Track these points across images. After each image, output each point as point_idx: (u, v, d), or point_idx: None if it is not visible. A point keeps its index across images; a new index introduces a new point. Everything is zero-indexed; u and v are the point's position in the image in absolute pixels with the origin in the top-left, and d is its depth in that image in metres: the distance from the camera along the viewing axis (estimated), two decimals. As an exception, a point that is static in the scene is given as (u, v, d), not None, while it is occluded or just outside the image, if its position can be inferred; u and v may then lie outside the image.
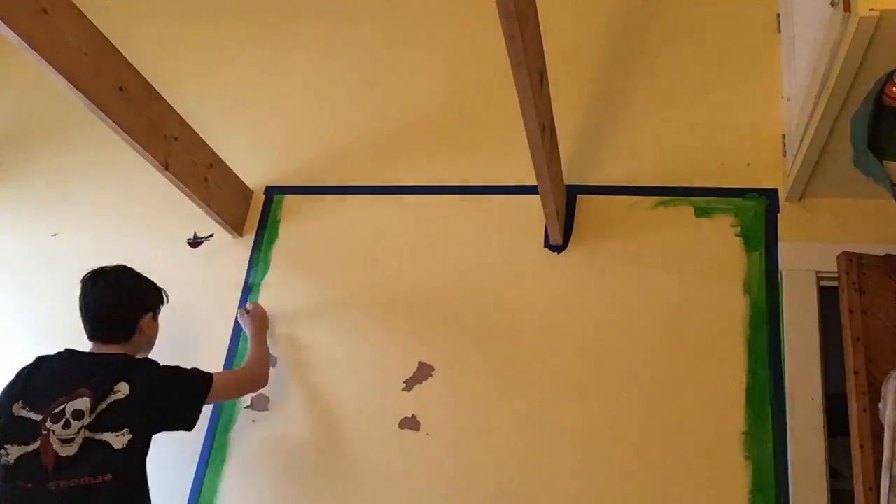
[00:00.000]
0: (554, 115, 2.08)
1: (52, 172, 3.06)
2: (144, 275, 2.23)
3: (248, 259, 2.68)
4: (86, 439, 1.87)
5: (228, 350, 2.55)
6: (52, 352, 2.12)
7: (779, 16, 2.50)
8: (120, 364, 2.02)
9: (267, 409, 2.45)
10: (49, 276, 2.84)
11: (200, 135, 2.51)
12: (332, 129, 2.85)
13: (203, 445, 2.44)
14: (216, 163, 2.59)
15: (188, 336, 2.60)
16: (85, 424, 1.87)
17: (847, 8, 1.64)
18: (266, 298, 2.60)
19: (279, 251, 2.68)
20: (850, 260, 2.04)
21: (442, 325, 2.43)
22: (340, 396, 2.41)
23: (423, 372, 2.38)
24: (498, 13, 1.51)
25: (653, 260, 2.36)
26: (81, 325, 2.15)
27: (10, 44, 1.85)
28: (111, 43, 2.12)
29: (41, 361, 2.08)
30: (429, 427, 2.32)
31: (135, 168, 2.63)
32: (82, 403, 1.89)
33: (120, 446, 1.88)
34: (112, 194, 2.94)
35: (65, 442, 1.85)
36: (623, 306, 2.32)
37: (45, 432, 1.87)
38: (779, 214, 2.33)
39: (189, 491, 2.39)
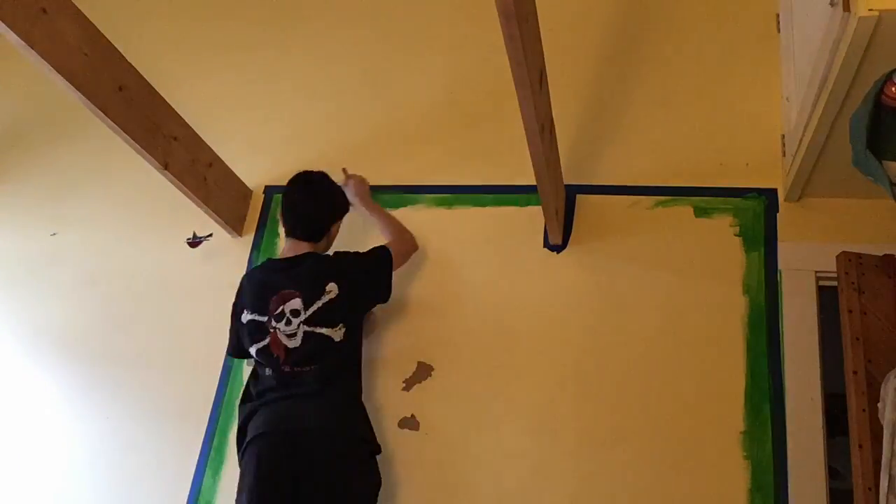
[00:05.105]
0: (554, 115, 2.08)
1: (52, 172, 3.06)
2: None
3: (247, 259, 2.68)
4: (306, 332, 2.16)
5: (228, 350, 2.54)
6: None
7: (778, 16, 2.49)
8: (322, 266, 2.27)
9: (266, 409, 2.45)
10: (49, 276, 2.83)
11: (200, 134, 2.51)
12: (331, 129, 2.85)
13: (203, 445, 2.43)
14: (215, 162, 2.59)
15: (187, 336, 2.60)
16: (302, 321, 2.17)
17: (846, 8, 1.64)
18: (265, 298, 2.59)
19: (278, 251, 2.67)
20: (849, 260, 2.03)
21: (441, 325, 2.43)
22: (340, 396, 2.41)
23: (423, 371, 2.38)
24: (498, 13, 1.51)
25: (652, 260, 2.36)
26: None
27: (10, 44, 1.85)
28: (111, 43, 2.12)
29: (248, 276, 2.38)
30: (428, 427, 2.32)
31: (134, 168, 2.63)
32: (296, 304, 2.18)
33: (339, 339, 2.17)
34: (112, 194, 2.94)
35: (289, 336, 2.16)
36: (622, 306, 2.32)
37: (272, 330, 2.18)
38: (778, 214, 2.33)
39: (189, 491, 2.38)
